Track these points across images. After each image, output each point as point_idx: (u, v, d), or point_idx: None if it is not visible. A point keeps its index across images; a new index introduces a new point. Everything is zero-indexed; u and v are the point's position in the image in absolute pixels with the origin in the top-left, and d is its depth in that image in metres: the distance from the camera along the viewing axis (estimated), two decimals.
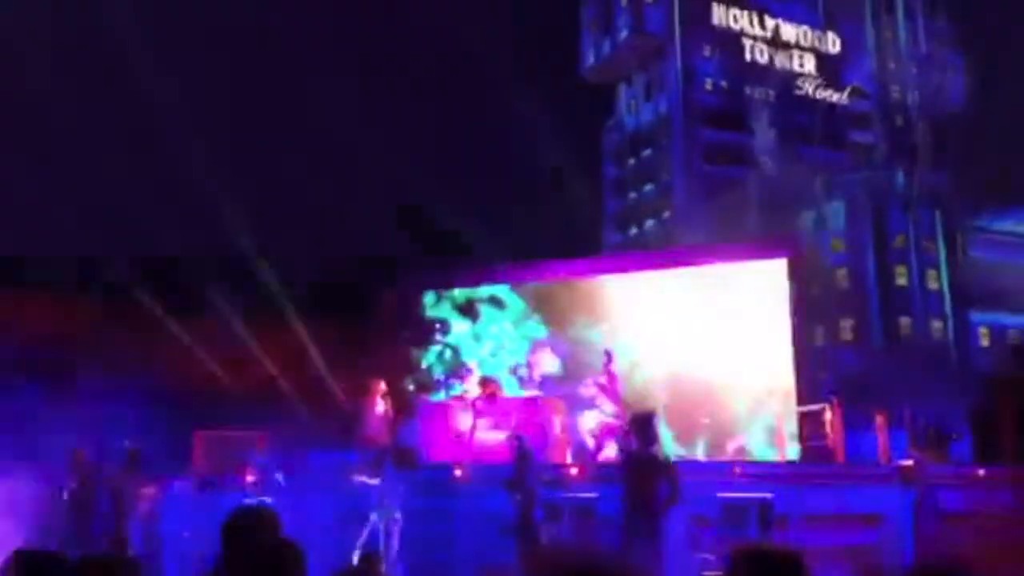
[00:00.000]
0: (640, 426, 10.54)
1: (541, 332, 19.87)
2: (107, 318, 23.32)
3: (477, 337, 20.42)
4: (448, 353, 20.27)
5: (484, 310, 20.53)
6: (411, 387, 19.99)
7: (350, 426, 16.68)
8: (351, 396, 18.00)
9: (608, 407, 16.06)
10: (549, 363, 19.35)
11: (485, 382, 17.27)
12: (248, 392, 23.06)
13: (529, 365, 19.42)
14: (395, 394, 17.47)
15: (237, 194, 29.67)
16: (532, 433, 14.55)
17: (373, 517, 12.55)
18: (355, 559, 11.78)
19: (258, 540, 3.66)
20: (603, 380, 16.47)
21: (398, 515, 12.58)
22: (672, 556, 10.22)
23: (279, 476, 14.71)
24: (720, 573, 6.37)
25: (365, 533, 12.40)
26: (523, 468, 12.39)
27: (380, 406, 16.28)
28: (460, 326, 20.55)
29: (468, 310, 20.67)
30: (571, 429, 16.90)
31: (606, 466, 14.49)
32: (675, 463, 10.93)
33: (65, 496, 13.46)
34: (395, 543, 12.42)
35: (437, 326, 20.59)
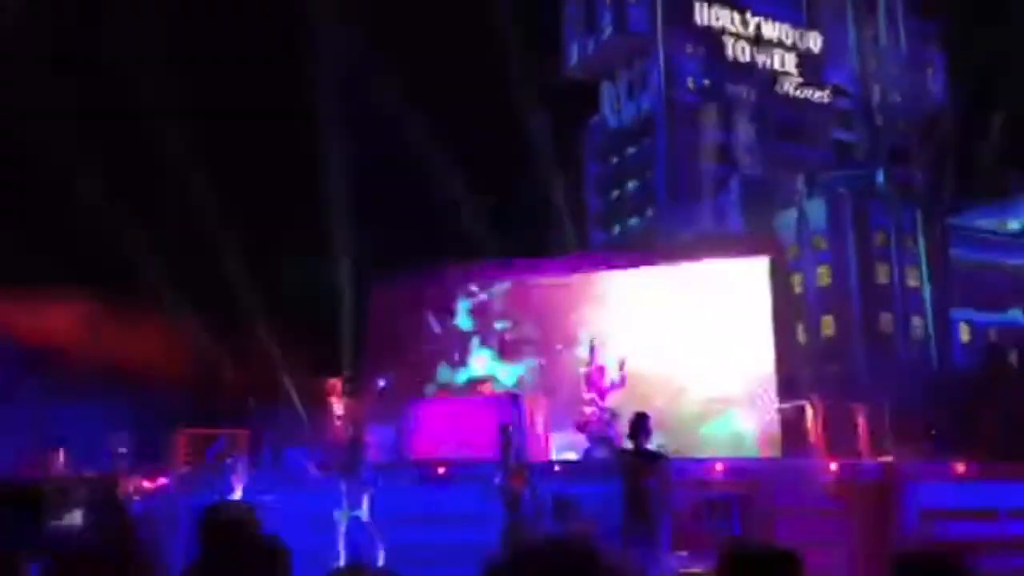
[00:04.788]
0: (633, 425, 10.60)
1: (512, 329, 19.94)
2: (92, 315, 23.17)
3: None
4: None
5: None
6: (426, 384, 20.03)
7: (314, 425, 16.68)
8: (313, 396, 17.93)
9: (587, 396, 16.15)
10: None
11: (482, 379, 17.42)
12: (238, 391, 22.96)
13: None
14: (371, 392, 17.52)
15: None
16: (515, 429, 14.61)
17: (337, 516, 12.51)
18: (341, 561, 11.76)
19: (240, 539, 3.62)
20: (589, 369, 16.56)
21: (361, 513, 12.52)
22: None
23: (236, 469, 14.59)
24: (702, 570, 6.42)
25: (341, 532, 12.36)
26: (507, 455, 12.41)
27: (338, 405, 16.28)
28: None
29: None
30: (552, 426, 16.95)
31: (589, 463, 14.54)
32: (668, 460, 10.93)
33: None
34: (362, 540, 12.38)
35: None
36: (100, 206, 25.64)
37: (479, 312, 20.13)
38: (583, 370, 16.70)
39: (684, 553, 10.68)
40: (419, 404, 17.93)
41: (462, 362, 19.66)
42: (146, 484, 16.40)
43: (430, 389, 19.21)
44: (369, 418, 16.97)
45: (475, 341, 19.94)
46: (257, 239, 29.18)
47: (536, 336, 19.72)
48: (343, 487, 12.74)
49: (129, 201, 26.74)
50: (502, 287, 20.42)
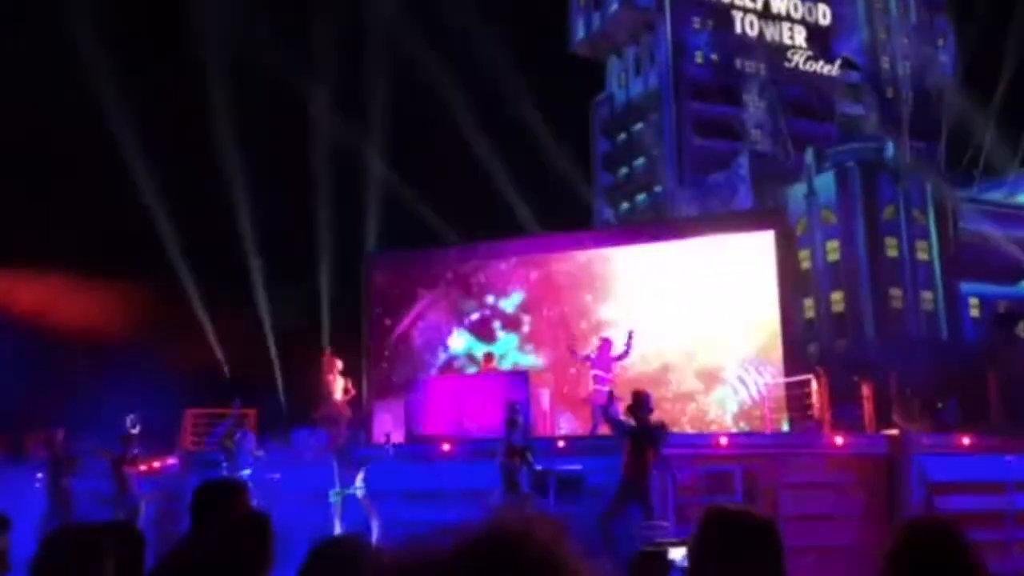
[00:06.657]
0: (635, 403, 10.73)
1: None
2: (105, 298, 23.28)
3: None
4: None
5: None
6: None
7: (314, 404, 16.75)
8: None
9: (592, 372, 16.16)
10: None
11: (488, 356, 17.47)
12: (243, 372, 23.08)
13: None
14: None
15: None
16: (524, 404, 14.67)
17: (332, 495, 12.55)
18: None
19: (227, 513, 3.66)
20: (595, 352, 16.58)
21: (357, 490, 12.55)
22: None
23: (243, 447, 14.68)
24: (675, 540, 6.46)
25: (336, 510, 12.41)
26: (512, 432, 12.49)
27: (338, 383, 16.34)
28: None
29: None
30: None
31: (597, 438, 14.58)
32: (668, 435, 11.11)
33: (39, 476, 13.51)
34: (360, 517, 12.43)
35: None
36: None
37: (467, 291, 20.14)
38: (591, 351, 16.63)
39: (665, 523, 10.75)
40: (427, 381, 18.00)
41: (441, 342, 19.68)
42: (155, 463, 16.54)
43: (403, 371, 19.30)
44: (372, 397, 17.05)
45: (455, 321, 19.98)
46: (258, 225, 29.26)
47: (524, 314, 19.76)
48: (335, 465, 12.82)
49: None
50: (492, 264, 20.41)
